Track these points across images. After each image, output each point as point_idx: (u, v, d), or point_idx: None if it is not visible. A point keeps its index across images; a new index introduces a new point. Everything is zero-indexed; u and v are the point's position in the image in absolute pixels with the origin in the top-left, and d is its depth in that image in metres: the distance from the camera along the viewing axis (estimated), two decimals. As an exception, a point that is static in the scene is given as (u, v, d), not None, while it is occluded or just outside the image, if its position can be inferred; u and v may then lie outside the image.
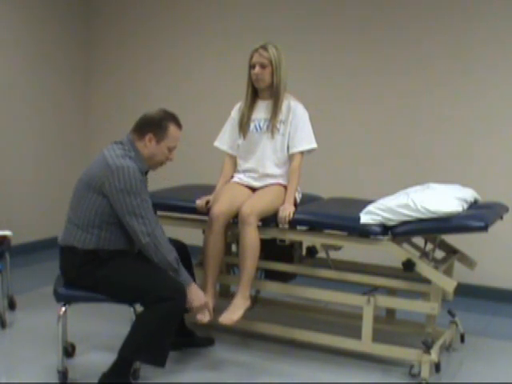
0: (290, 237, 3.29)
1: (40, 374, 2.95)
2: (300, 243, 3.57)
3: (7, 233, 3.70)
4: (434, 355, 2.93)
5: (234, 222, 3.24)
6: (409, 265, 2.99)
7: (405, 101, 4.50)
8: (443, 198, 2.96)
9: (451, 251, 3.46)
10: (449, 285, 2.95)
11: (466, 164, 4.34)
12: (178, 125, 2.94)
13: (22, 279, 4.42)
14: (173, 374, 2.99)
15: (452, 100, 4.35)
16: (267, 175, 3.34)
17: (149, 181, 3.01)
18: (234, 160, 3.46)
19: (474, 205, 3.22)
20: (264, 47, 3.22)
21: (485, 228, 2.84)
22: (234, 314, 3.07)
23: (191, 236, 3.55)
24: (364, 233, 3.07)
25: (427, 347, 2.94)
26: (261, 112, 3.33)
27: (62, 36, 5.45)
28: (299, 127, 3.28)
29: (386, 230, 3.02)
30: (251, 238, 3.10)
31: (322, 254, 3.34)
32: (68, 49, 5.53)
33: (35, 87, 5.25)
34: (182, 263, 2.88)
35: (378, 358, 3.20)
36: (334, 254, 3.39)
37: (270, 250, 3.37)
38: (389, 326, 3.44)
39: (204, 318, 2.99)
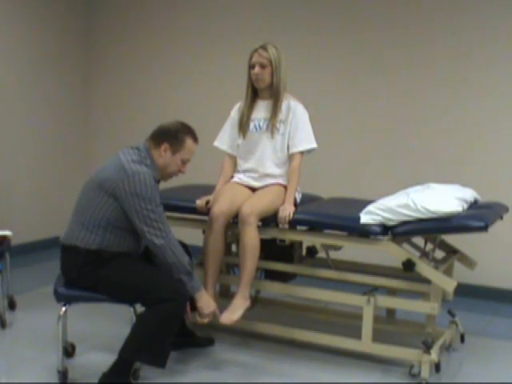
0: (290, 237, 3.29)
1: (40, 374, 2.95)
2: (300, 243, 3.57)
3: (7, 233, 3.69)
4: (434, 355, 2.93)
5: (234, 221, 3.24)
6: (409, 265, 2.99)
7: (405, 101, 4.50)
8: (443, 198, 2.96)
9: (451, 251, 3.46)
10: (449, 285, 2.95)
11: (466, 164, 4.34)
12: (195, 138, 2.96)
13: (22, 279, 4.42)
14: (173, 374, 2.99)
15: (452, 100, 4.35)
16: (267, 175, 3.34)
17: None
18: (233, 160, 3.46)
19: (474, 205, 3.22)
20: (264, 47, 3.22)
21: (485, 228, 2.84)
22: (233, 313, 3.08)
23: (191, 236, 3.55)
24: (364, 233, 3.07)
25: (427, 347, 2.94)
26: (260, 112, 3.33)
27: (61, 36, 5.45)
28: (299, 127, 3.28)
29: (386, 230, 3.02)
30: (251, 237, 3.10)
31: (321, 254, 3.34)
32: (68, 49, 5.53)
33: (35, 87, 5.25)
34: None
35: (378, 358, 3.20)
36: (334, 254, 3.39)
37: (270, 250, 3.37)
38: (389, 326, 3.44)
39: (204, 319, 2.99)
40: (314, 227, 3.30)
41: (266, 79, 3.24)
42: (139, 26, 5.46)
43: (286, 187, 3.30)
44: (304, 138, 3.28)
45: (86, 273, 2.79)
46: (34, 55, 5.20)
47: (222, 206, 3.17)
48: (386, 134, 4.57)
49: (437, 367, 3.00)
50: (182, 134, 2.91)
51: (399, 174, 4.47)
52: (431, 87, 4.41)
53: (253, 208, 3.11)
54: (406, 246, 3.27)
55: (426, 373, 2.93)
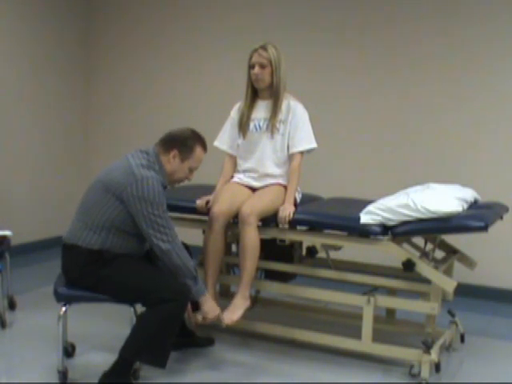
0: (290, 237, 3.29)
1: (40, 374, 2.95)
2: (300, 243, 3.57)
3: (7, 233, 3.69)
4: (434, 355, 2.93)
5: (234, 221, 3.24)
6: (409, 265, 2.99)
7: (405, 101, 4.50)
8: (443, 198, 2.96)
9: (451, 251, 3.46)
10: (449, 285, 2.95)
11: (466, 164, 4.34)
12: (204, 147, 2.97)
13: (22, 279, 4.42)
14: (173, 374, 2.99)
15: (452, 100, 4.35)
16: (267, 175, 3.34)
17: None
18: (233, 160, 3.46)
19: (474, 205, 3.22)
20: (263, 47, 3.22)
21: (485, 228, 2.84)
22: (233, 313, 3.08)
23: (191, 236, 3.55)
24: (364, 233, 3.07)
25: (427, 347, 2.94)
26: (260, 112, 3.33)
27: (61, 35, 5.45)
28: (299, 127, 3.28)
29: (386, 230, 3.02)
30: (251, 238, 3.10)
31: (322, 254, 3.34)
32: (68, 49, 5.53)
33: (35, 87, 5.25)
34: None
35: (378, 358, 3.20)
36: (334, 254, 3.39)
37: (270, 250, 3.37)
38: (389, 326, 3.44)
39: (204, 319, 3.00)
40: (314, 227, 3.30)
41: (265, 79, 3.24)
42: (139, 25, 5.46)
43: (285, 187, 3.30)
44: (304, 138, 3.28)
45: (87, 272, 2.78)
46: (33, 55, 5.20)
47: (222, 206, 3.18)
48: (386, 134, 4.57)
49: (437, 367, 3.00)
50: (192, 142, 2.91)
51: (399, 174, 4.47)
52: (431, 87, 4.41)
53: (253, 208, 3.11)
54: (406, 245, 3.27)
55: (426, 373, 2.93)
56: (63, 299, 2.83)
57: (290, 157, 3.31)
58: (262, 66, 3.22)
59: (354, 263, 3.57)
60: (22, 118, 5.16)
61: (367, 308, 3.07)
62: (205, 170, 3.06)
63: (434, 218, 2.91)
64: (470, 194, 3.21)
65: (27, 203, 5.25)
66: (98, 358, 3.10)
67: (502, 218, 3.25)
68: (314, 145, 3.31)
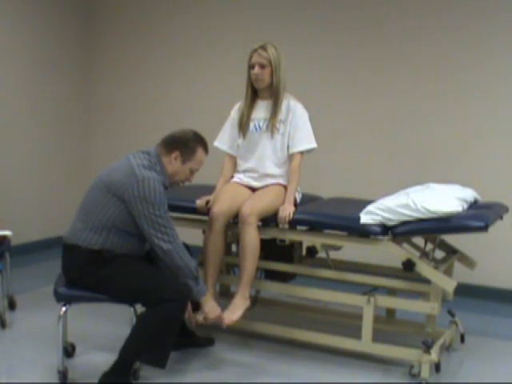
0: (290, 237, 3.29)
1: (40, 374, 2.95)
2: (300, 243, 3.57)
3: (7, 233, 3.69)
4: (434, 355, 2.93)
5: (234, 221, 3.24)
6: (409, 265, 2.99)
7: (405, 100, 4.50)
8: (443, 198, 2.96)
9: (451, 251, 3.46)
10: (449, 285, 2.95)
11: (466, 164, 4.34)
12: (206, 149, 2.97)
13: (22, 279, 4.42)
14: (173, 374, 2.99)
15: (452, 100, 4.35)
16: (267, 175, 3.34)
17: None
18: (233, 160, 3.46)
19: (473, 205, 3.22)
20: (263, 47, 3.22)
21: (485, 228, 2.84)
22: (233, 313, 3.08)
23: (191, 236, 3.55)
24: (364, 233, 3.07)
25: (427, 347, 2.94)
26: (260, 112, 3.33)
27: (61, 35, 5.45)
28: (299, 127, 3.28)
29: (386, 229, 3.02)
30: (251, 237, 3.10)
31: (321, 254, 3.34)
32: (68, 48, 5.53)
33: (35, 87, 5.25)
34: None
35: (378, 358, 3.20)
36: (334, 254, 3.39)
37: (270, 250, 3.37)
38: (389, 326, 3.44)
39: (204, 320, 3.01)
40: (314, 227, 3.30)
41: (265, 79, 3.24)
42: (139, 25, 5.46)
43: (285, 187, 3.30)
44: (304, 138, 3.28)
45: (87, 272, 2.78)
46: (33, 55, 5.20)
47: (222, 206, 3.18)
48: (386, 133, 4.58)
49: (437, 367, 2.99)
50: (194, 144, 2.91)
51: (399, 174, 4.47)
52: (431, 87, 4.41)
53: (253, 208, 3.11)
54: (406, 245, 3.27)
55: (426, 373, 2.93)
56: (63, 299, 2.82)
57: (290, 157, 3.31)
58: (262, 66, 3.22)
59: (354, 263, 3.57)
60: (22, 117, 5.16)
61: (367, 308, 3.07)
62: (205, 170, 3.06)
63: (434, 217, 2.91)
64: (470, 194, 3.21)
65: (27, 203, 5.25)
66: (98, 358, 3.10)
67: (501, 218, 3.25)
68: (313, 145, 3.31)
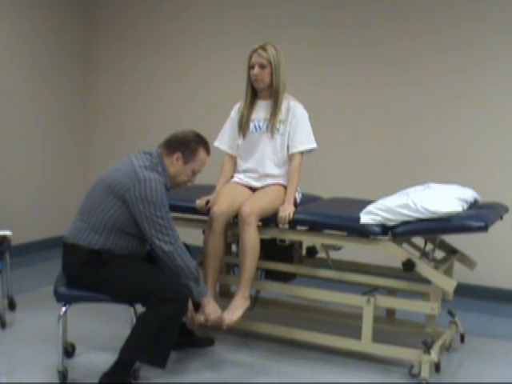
0: (290, 237, 3.30)
1: (40, 374, 2.95)
2: (300, 243, 3.57)
3: (7, 233, 3.69)
4: (434, 355, 2.93)
5: (234, 222, 3.25)
6: (409, 265, 2.99)
7: (405, 100, 4.50)
8: (443, 198, 2.96)
9: (451, 251, 3.46)
10: (449, 285, 2.95)
11: (465, 164, 4.34)
12: (208, 150, 2.97)
13: (22, 279, 4.42)
14: (173, 374, 2.98)
15: (452, 100, 4.35)
16: (267, 175, 3.34)
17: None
18: (233, 160, 3.46)
19: (474, 205, 3.22)
20: (263, 47, 3.22)
21: (485, 228, 2.84)
22: (233, 313, 3.08)
23: (191, 236, 3.55)
24: (364, 233, 3.07)
25: (427, 347, 2.94)
26: (260, 112, 3.33)
27: (62, 35, 5.44)
28: (299, 127, 3.28)
29: (386, 230, 3.02)
30: (251, 237, 3.10)
31: (321, 254, 3.34)
32: (68, 48, 5.52)
33: (35, 87, 5.24)
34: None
35: (378, 358, 3.20)
36: (334, 254, 3.39)
37: (270, 250, 3.37)
38: (389, 326, 3.44)
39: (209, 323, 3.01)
40: (314, 227, 3.30)
41: (265, 79, 3.24)
42: (139, 25, 5.45)
43: (285, 187, 3.30)
44: (304, 138, 3.28)
45: (87, 272, 2.78)
46: (33, 55, 5.20)
47: (222, 206, 3.18)
48: (386, 133, 4.57)
49: (437, 367, 3.00)
50: (196, 145, 2.91)
51: (399, 174, 4.47)
52: (431, 87, 4.41)
53: (253, 208, 3.11)
54: (405, 246, 3.27)
55: (425, 373, 2.93)
56: (63, 299, 2.83)
57: (290, 157, 3.31)
58: (262, 67, 3.22)
59: (354, 263, 3.57)
60: (22, 117, 5.16)
61: (367, 308, 3.07)
62: (205, 170, 3.06)
63: (434, 218, 2.91)
64: (469, 194, 3.21)
65: (27, 203, 5.25)
66: (98, 358, 3.10)
67: (501, 218, 3.25)
68: (313, 145, 3.31)
